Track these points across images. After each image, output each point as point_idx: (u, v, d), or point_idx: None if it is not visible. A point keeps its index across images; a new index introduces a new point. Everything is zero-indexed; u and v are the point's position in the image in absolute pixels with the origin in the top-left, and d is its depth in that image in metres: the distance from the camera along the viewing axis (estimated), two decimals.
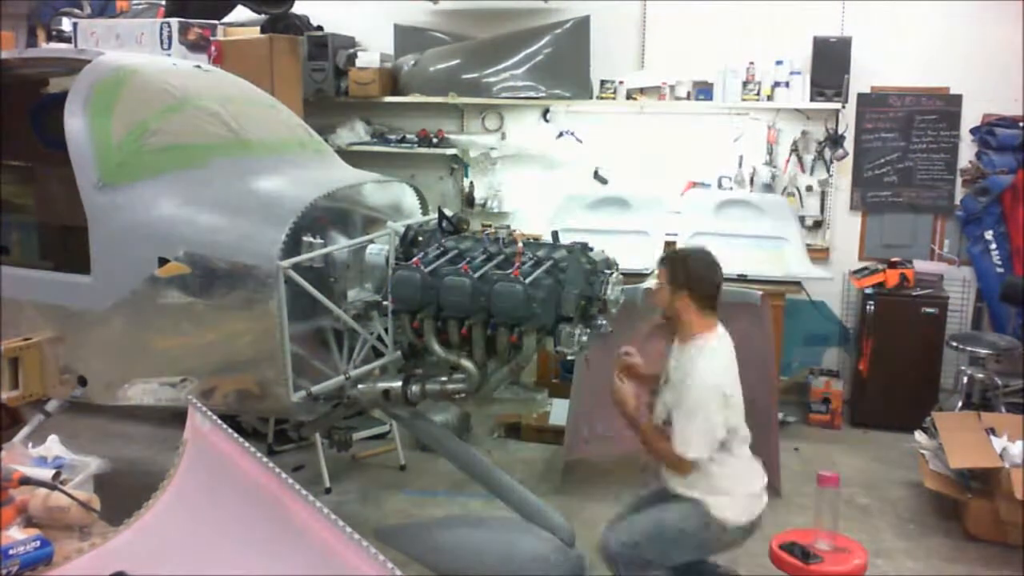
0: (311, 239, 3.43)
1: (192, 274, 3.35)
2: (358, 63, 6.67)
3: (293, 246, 3.35)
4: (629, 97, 6.46)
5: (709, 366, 3.29)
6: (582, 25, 6.43)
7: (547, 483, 4.98)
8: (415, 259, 3.45)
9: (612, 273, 3.40)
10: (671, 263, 3.42)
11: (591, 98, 6.51)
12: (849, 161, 6.32)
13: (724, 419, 3.28)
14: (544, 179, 6.75)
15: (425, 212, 4.18)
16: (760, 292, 4.76)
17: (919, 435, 4.96)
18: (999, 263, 6.10)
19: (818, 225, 6.41)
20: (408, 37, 6.96)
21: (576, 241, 3.47)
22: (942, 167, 6.22)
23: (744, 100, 6.21)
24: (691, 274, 3.37)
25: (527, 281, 3.21)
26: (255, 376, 3.41)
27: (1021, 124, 5.97)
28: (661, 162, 6.50)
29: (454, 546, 3.65)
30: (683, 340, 3.40)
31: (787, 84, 6.14)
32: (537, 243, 3.60)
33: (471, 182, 6.92)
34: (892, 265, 5.95)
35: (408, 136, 6.85)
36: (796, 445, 5.57)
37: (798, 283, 5.84)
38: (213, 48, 5.82)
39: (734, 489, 3.34)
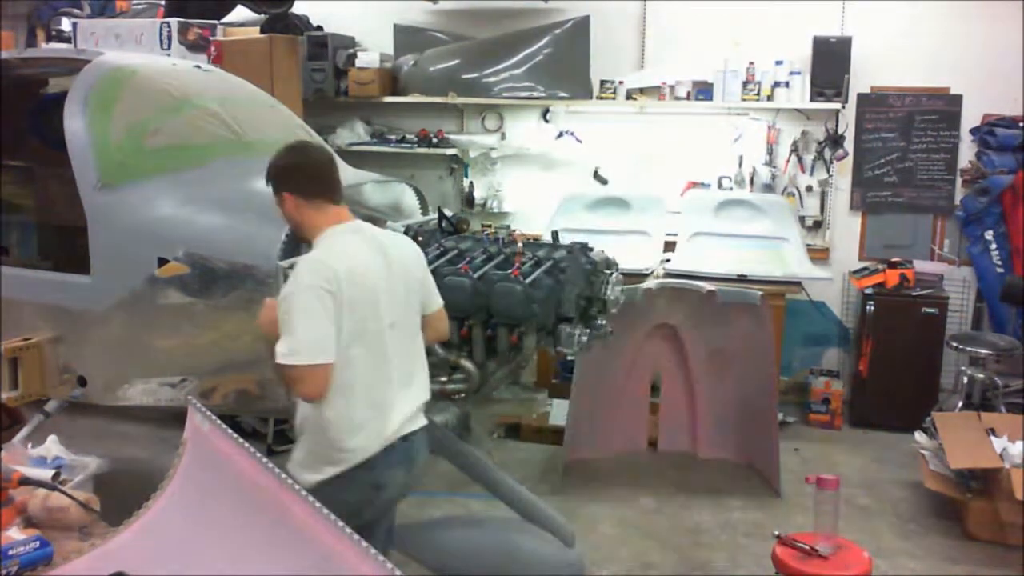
0: None
1: (192, 274, 3.36)
2: (358, 63, 6.66)
3: (293, 246, 3.35)
4: (629, 97, 6.46)
5: (309, 259, 2.67)
6: (582, 25, 6.42)
7: (547, 483, 4.97)
8: None
9: (612, 273, 3.40)
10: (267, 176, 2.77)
11: (591, 98, 6.49)
12: (849, 161, 6.31)
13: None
14: (544, 179, 6.74)
15: (425, 212, 4.18)
16: (760, 292, 4.76)
17: (919, 435, 4.95)
18: (999, 263, 6.09)
19: (818, 225, 6.40)
20: (408, 37, 6.96)
21: (576, 241, 3.47)
22: (942, 167, 6.22)
23: (744, 100, 6.20)
24: (279, 171, 2.73)
25: (527, 281, 3.21)
26: (255, 376, 3.42)
27: (1021, 124, 5.96)
28: (661, 162, 6.49)
29: (454, 546, 3.65)
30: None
31: (787, 84, 6.13)
32: (537, 243, 3.61)
33: (471, 182, 6.91)
34: (892, 265, 5.93)
35: (408, 136, 6.84)
36: (796, 445, 5.56)
37: (798, 283, 5.84)
38: (213, 48, 5.81)
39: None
